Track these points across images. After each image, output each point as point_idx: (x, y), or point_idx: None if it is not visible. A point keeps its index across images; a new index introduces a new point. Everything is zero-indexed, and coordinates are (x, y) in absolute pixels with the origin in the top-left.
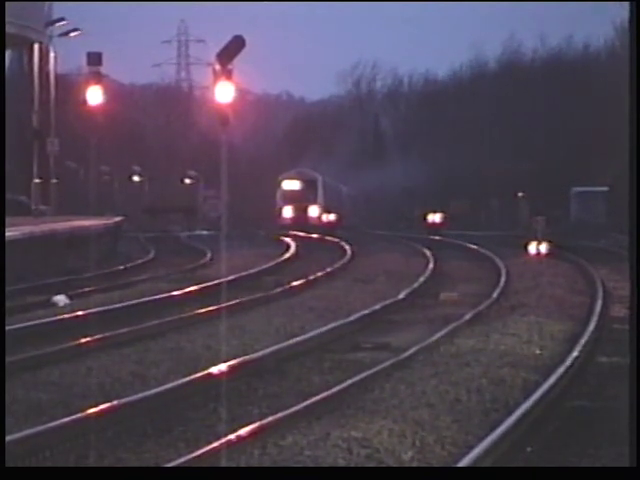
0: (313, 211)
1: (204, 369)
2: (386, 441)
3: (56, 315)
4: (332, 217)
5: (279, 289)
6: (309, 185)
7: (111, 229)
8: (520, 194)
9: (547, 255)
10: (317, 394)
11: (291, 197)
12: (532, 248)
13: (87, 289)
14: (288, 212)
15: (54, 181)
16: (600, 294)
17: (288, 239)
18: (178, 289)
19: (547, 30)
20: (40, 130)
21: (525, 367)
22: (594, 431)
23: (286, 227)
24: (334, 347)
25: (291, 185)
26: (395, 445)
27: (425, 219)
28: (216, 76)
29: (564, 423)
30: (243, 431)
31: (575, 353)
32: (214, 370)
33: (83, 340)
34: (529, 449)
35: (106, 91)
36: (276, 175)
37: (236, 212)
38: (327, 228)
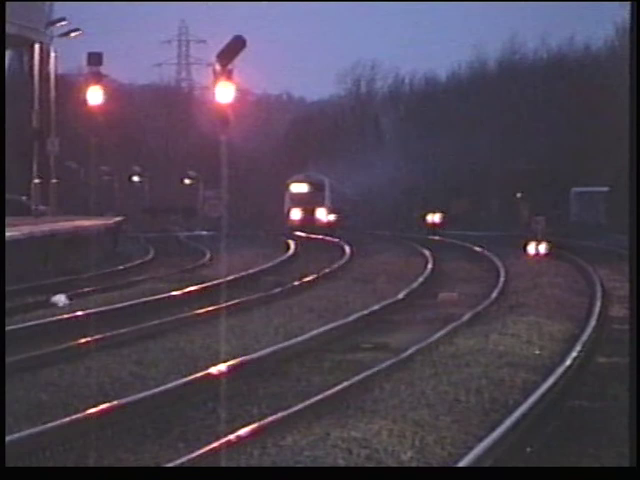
0: (320, 213)
1: (204, 369)
2: (386, 441)
3: (56, 315)
4: (332, 217)
5: (279, 289)
6: (317, 188)
7: (111, 229)
8: (519, 195)
9: (547, 255)
10: (317, 394)
11: (299, 200)
12: (532, 248)
13: (87, 289)
14: (296, 214)
15: (54, 181)
16: (599, 294)
17: (286, 239)
18: (178, 289)
19: (548, 31)
20: (40, 130)
21: (524, 367)
22: (594, 431)
23: (294, 228)
24: (334, 347)
25: (299, 188)
26: (395, 445)
27: (424, 219)
28: (216, 76)
29: (564, 423)
30: (243, 431)
31: (574, 353)
32: (214, 370)
33: (83, 340)
34: (529, 449)
35: (106, 91)
36: (276, 175)
37: (236, 212)
38: (327, 228)
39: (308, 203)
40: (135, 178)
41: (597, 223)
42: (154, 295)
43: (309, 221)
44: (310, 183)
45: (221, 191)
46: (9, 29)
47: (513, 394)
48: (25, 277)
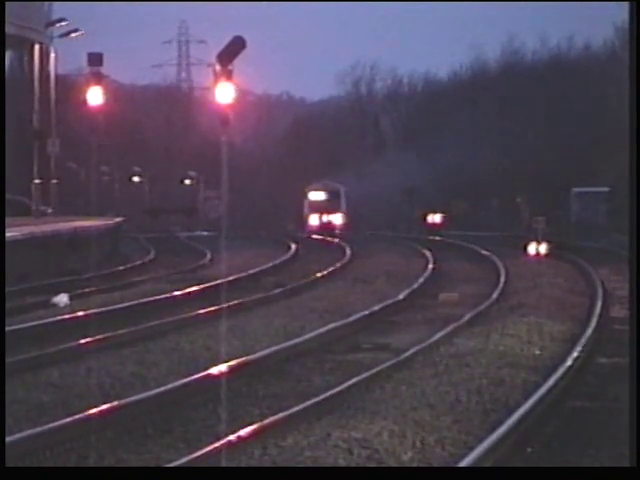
0: (337, 219)
1: (204, 370)
2: (386, 442)
3: (56, 315)
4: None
5: (279, 290)
6: (333, 195)
7: (112, 230)
8: (518, 199)
9: (547, 255)
10: (318, 395)
11: (317, 206)
12: (532, 248)
13: (87, 290)
14: (314, 220)
15: (54, 181)
16: (600, 294)
17: (287, 240)
18: (178, 289)
19: (548, 31)
20: (40, 131)
21: (525, 368)
22: (594, 431)
23: (313, 233)
24: (334, 348)
25: (317, 196)
26: (395, 446)
27: (425, 220)
28: (216, 77)
29: (564, 423)
30: (244, 431)
31: (575, 354)
32: (214, 371)
33: (83, 341)
34: (529, 449)
35: (107, 92)
36: (277, 175)
37: (237, 213)
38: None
39: (325, 210)
40: (135, 178)
41: (597, 223)
42: (155, 295)
43: (326, 226)
44: (327, 191)
45: (221, 191)
46: (9, 29)
47: (514, 394)
48: (26, 277)
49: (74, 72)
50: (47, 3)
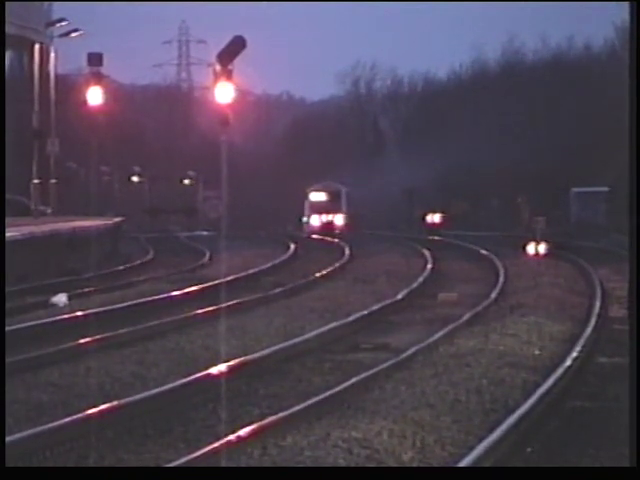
0: (338, 219)
1: (204, 369)
2: (386, 442)
3: (56, 315)
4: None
5: (279, 289)
6: (334, 196)
7: (111, 229)
8: (519, 200)
9: (547, 255)
10: (317, 394)
11: (318, 207)
12: (531, 248)
13: (87, 289)
14: (315, 221)
15: (53, 181)
16: (599, 294)
17: (286, 240)
18: (178, 289)
19: (548, 30)
20: (40, 130)
21: (525, 367)
22: (594, 431)
23: (314, 233)
24: (334, 348)
25: (318, 196)
26: (395, 446)
27: (425, 219)
28: (216, 77)
29: (564, 423)
30: (243, 431)
31: (574, 354)
32: (214, 370)
33: (83, 341)
34: (529, 449)
35: (106, 91)
36: (276, 175)
37: (237, 213)
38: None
39: (326, 210)
40: (135, 178)
41: (597, 223)
42: (154, 295)
43: (327, 227)
44: (328, 192)
45: (221, 191)
46: (9, 29)
47: (513, 394)
48: (25, 277)
49: (74, 72)
50: (47, 3)
